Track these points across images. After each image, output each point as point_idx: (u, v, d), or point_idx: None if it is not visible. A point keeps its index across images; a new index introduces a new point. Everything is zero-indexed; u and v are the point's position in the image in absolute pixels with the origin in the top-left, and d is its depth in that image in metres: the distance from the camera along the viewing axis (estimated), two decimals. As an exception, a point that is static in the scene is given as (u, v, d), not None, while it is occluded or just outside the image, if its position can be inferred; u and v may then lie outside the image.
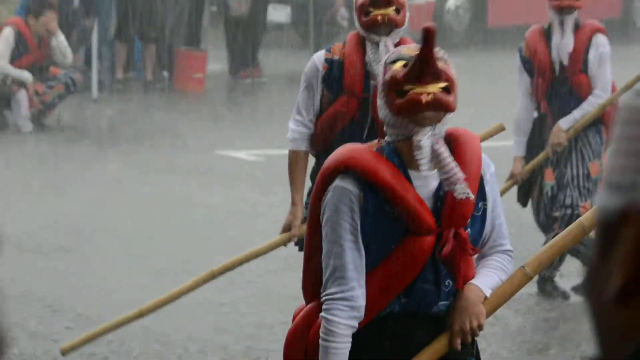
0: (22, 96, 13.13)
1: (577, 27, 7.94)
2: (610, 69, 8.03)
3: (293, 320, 4.11)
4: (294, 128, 6.00)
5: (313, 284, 4.04)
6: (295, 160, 6.07)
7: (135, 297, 7.03)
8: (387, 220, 3.77)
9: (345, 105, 5.94)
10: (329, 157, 3.99)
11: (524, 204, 8.17)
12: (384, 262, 3.78)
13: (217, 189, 11.11)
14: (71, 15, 15.03)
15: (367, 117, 5.90)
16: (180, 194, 10.78)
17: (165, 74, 16.36)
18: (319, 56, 6.06)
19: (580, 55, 7.93)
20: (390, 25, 5.78)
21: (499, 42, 18.89)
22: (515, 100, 8.47)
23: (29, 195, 10.66)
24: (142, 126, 13.76)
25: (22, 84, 13.12)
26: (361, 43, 5.92)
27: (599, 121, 8.01)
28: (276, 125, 13.35)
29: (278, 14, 18.17)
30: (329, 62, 6.03)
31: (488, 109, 12.19)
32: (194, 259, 8.71)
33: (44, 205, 10.38)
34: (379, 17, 5.72)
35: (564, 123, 7.96)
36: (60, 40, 13.23)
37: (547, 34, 7.93)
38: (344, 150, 3.90)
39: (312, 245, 3.98)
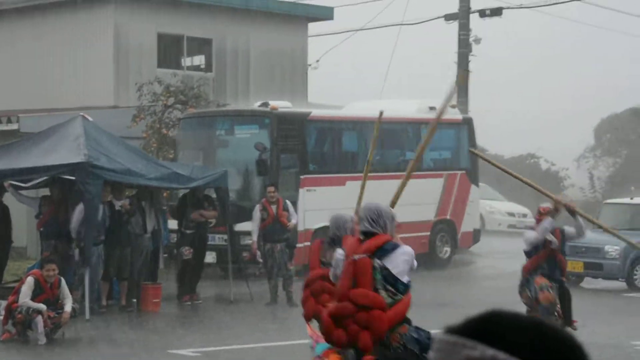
0: (39, 320, 14.45)
1: None
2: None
3: None
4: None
5: None
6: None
7: None
8: None
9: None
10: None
11: None
12: None
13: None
14: (74, 265, 17.12)
15: None
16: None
17: (134, 300, 17.93)
18: (340, 253, 7.95)
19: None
20: None
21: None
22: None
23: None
24: (120, 337, 14.94)
25: (39, 312, 14.40)
26: None
27: None
28: (208, 332, 15.29)
29: (208, 257, 19.99)
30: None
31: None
32: None
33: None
34: None
35: None
36: (63, 285, 14.81)
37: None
38: None
39: None
